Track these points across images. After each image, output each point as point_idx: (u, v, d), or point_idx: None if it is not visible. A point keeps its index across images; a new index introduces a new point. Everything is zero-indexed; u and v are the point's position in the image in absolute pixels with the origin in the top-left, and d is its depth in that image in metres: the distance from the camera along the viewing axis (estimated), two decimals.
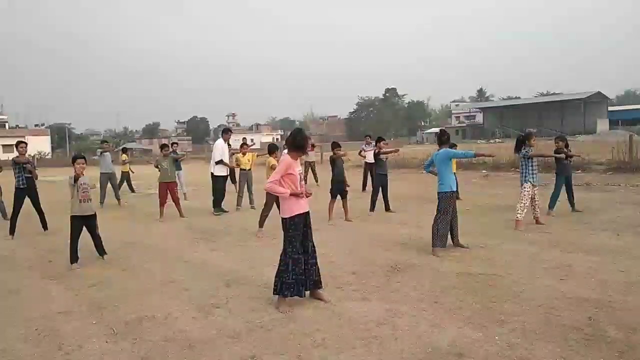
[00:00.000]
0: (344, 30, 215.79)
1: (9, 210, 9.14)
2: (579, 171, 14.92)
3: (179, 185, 12.41)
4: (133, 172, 16.05)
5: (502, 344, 3.63)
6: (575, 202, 9.24)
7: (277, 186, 4.52)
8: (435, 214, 6.53)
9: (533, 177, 7.88)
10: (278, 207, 6.06)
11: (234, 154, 11.53)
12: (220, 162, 10.65)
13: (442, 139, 6.79)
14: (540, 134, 39.24)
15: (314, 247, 4.78)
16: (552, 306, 4.35)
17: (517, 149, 8.10)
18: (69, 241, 6.46)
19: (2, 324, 4.47)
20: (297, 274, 4.56)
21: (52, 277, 6.05)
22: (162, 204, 10.19)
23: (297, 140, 4.66)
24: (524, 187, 7.89)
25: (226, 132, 11.21)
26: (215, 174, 10.73)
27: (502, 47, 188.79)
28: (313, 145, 17.58)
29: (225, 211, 10.60)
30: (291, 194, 4.53)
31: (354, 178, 13.37)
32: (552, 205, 8.98)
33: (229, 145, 11.17)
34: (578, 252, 6.21)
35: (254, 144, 13.38)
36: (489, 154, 7.25)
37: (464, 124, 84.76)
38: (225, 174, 10.90)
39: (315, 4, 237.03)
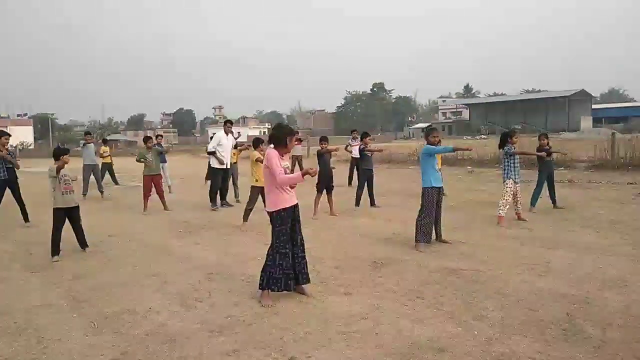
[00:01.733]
0: (333, 26, 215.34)
1: None
2: (562, 168, 15.13)
3: (164, 178, 12.28)
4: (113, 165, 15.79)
5: (481, 339, 3.68)
6: (557, 199, 9.36)
7: (287, 176, 4.50)
8: (419, 209, 6.58)
9: (515, 174, 7.99)
10: (264, 200, 6.05)
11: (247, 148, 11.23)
12: (212, 153, 10.38)
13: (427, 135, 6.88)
14: (525, 131, 39.76)
15: (302, 240, 4.77)
16: (531, 302, 4.42)
17: (502, 145, 8.19)
18: (51, 233, 6.38)
19: None
20: (284, 268, 4.54)
21: (33, 269, 5.98)
22: (147, 196, 10.09)
23: (276, 135, 4.63)
24: (506, 184, 7.99)
25: (227, 123, 10.85)
26: (211, 165, 10.60)
27: (490, 44, 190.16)
28: (300, 140, 17.52)
29: (215, 207, 10.37)
30: (303, 174, 4.50)
31: (340, 173, 13.38)
32: (534, 201, 9.10)
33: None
34: (558, 248, 6.31)
35: (240, 135, 13.21)
36: (467, 148, 7.71)
37: (451, 120, 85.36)
38: (221, 167, 10.37)
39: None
